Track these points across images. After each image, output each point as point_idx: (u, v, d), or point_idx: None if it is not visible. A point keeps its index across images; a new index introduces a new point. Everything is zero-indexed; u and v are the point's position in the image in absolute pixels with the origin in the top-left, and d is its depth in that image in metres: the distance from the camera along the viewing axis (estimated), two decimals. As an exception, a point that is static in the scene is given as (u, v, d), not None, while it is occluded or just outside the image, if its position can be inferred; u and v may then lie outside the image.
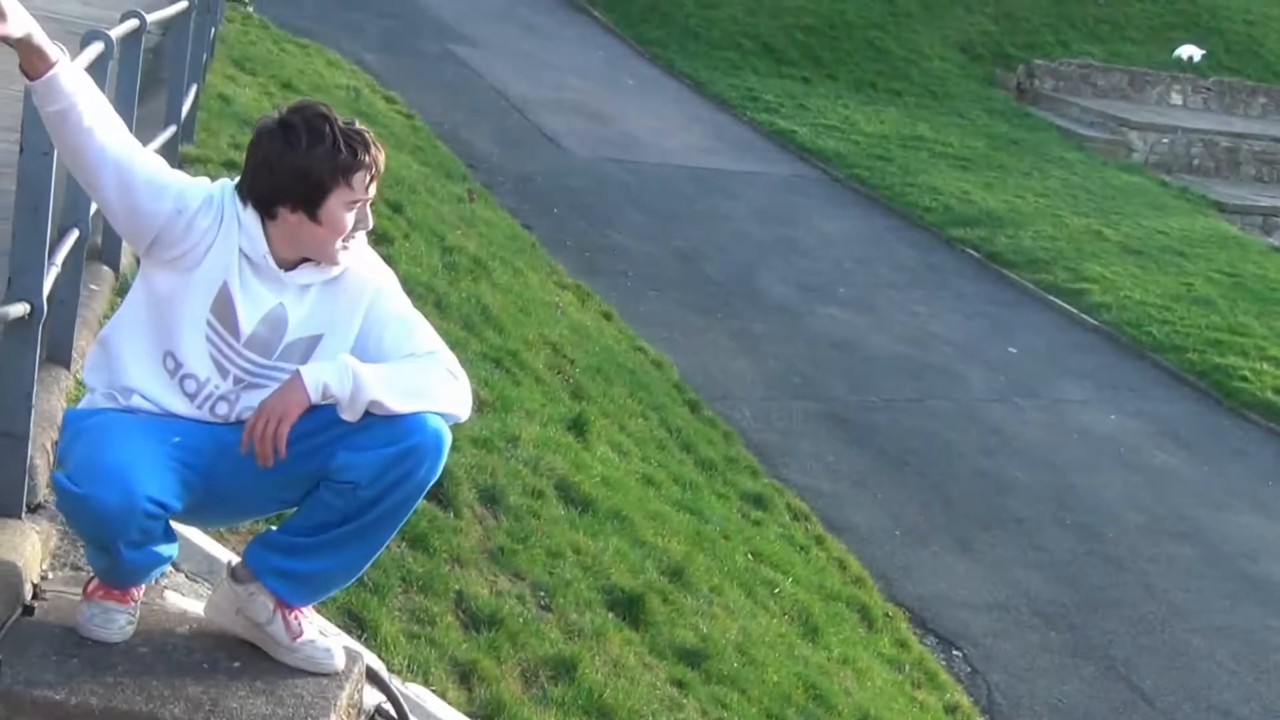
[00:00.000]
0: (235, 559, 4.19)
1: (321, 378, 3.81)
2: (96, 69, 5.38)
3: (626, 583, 7.30)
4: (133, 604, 3.99)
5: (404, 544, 6.16)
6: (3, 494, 4.41)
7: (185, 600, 4.46)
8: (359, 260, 4.06)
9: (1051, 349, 17.69)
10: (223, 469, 3.88)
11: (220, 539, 5.07)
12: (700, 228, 19.33)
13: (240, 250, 3.90)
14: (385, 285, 4.09)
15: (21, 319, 4.35)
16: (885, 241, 20.79)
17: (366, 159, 3.88)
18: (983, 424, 14.89)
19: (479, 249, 12.57)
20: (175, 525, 3.97)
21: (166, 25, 9.67)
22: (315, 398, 3.80)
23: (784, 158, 23.96)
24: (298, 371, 3.83)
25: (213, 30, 13.61)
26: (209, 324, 3.90)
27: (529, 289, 12.58)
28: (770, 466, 12.44)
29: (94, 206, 5.96)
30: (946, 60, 30.88)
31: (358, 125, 3.95)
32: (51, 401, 5.18)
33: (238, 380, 3.93)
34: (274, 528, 4.10)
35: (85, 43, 5.33)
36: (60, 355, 5.68)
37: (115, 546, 3.74)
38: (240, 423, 3.93)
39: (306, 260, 3.97)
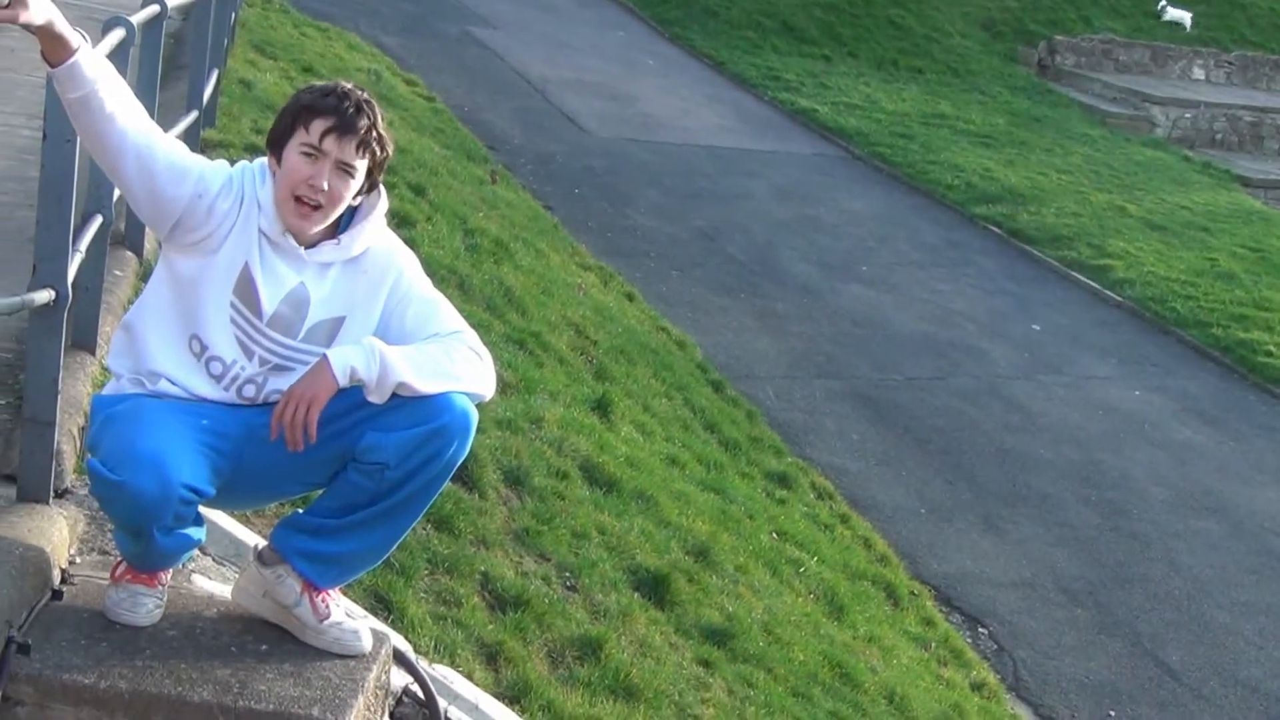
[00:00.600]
0: (262, 542, 4.20)
1: (349, 361, 3.82)
2: (118, 55, 5.39)
3: (651, 563, 7.31)
4: (160, 588, 4.01)
5: (429, 526, 6.18)
6: (30, 480, 4.43)
7: (212, 584, 4.48)
8: (380, 241, 4.07)
9: (1075, 326, 17.65)
10: (251, 453, 3.90)
11: (247, 522, 5.09)
12: (722, 207, 19.31)
13: (260, 230, 3.92)
14: (407, 266, 4.09)
15: (47, 305, 4.37)
16: (907, 219, 20.74)
17: (329, 105, 3.87)
18: (1007, 401, 14.86)
19: (501, 231, 12.57)
20: (202, 509, 3.99)
21: (187, 10, 9.70)
22: (343, 381, 3.82)
23: (805, 136, 23.92)
24: (324, 355, 3.85)
25: (233, 15, 13.61)
26: (232, 305, 3.91)
27: (551, 270, 12.58)
28: (794, 445, 12.44)
29: (117, 192, 5.98)
30: (968, 37, 30.79)
31: (365, 95, 3.95)
32: (77, 387, 5.20)
33: (263, 361, 3.95)
34: (301, 510, 4.12)
35: (106, 29, 5.34)
36: (85, 341, 5.70)
37: (149, 532, 3.76)
38: (268, 405, 3.94)
39: (326, 240, 3.98)
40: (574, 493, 7.54)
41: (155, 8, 6.74)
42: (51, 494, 4.46)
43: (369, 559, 4.15)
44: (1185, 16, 32.52)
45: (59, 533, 4.28)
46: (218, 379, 3.93)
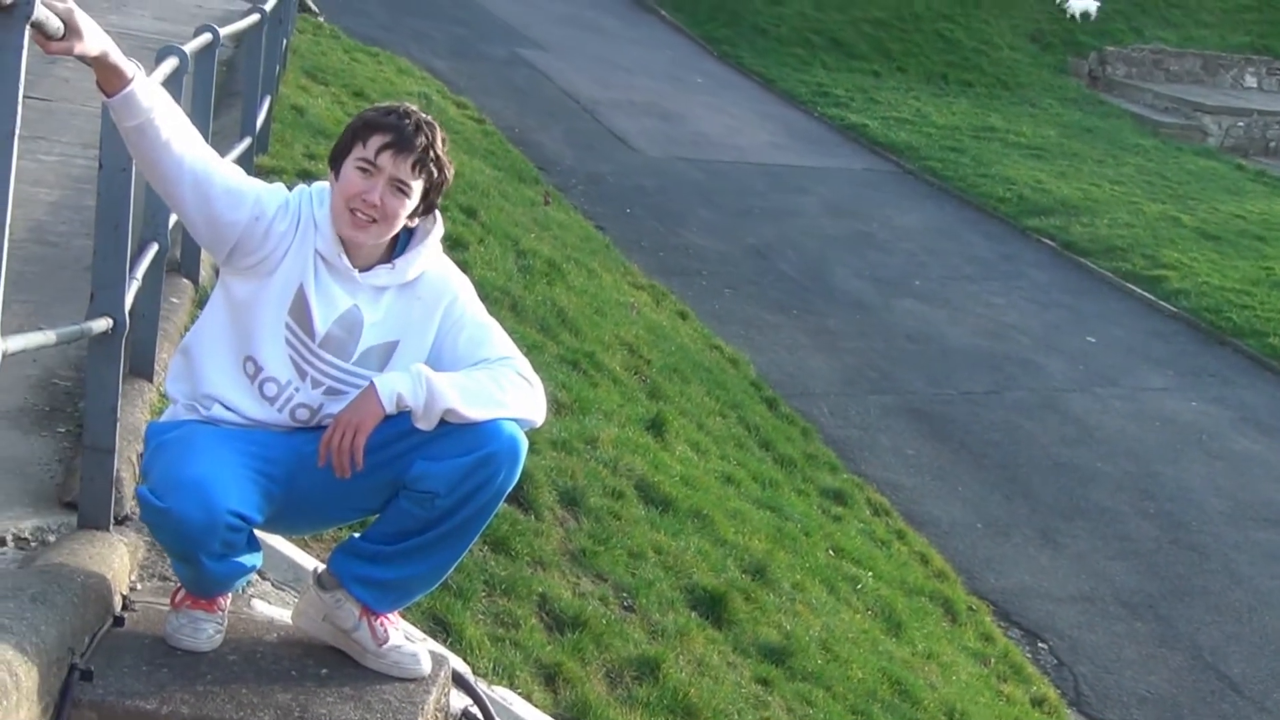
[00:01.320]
0: (321, 566, 4.21)
1: (395, 388, 3.84)
2: (171, 83, 5.42)
3: (708, 582, 7.30)
4: (220, 613, 4.03)
5: (486, 548, 6.18)
6: (91, 507, 4.46)
7: (272, 608, 4.49)
8: (434, 266, 4.08)
9: (1130, 337, 17.55)
10: (303, 479, 3.91)
11: (305, 546, 5.11)
12: (773, 224, 19.30)
13: (316, 251, 3.94)
14: (461, 291, 4.10)
15: (105, 333, 4.41)
16: (959, 233, 20.68)
17: (389, 122, 3.89)
18: (1063, 414, 14.79)
19: (553, 251, 12.59)
20: (259, 534, 4.00)
21: (239, 38, 9.75)
22: (390, 408, 3.83)
23: (856, 152, 23.88)
24: (371, 382, 3.86)
25: (284, 42, 13.70)
26: (288, 326, 3.93)
27: (604, 290, 12.59)
28: (850, 462, 12.40)
29: (172, 219, 6.01)
30: (1017, 50, 30.70)
31: (428, 117, 3.97)
32: (135, 414, 5.23)
33: (316, 383, 3.96)
34: (357, 535, 4.13)
35: (160, 58, 5.37)
36: (143, 368, 5.73)
37: (198, 559, 3.78)
38: (321, 428, 3.95)
39: (381, 263, 4.00)
40: (630, 512, 7.54)
41: (208, 36, 6.79)
42: (112, 521, 4.49)
43: (425, 583, 4.15)
44: (1092, 6, 32.03)
45: (119, 559, 4.31)
46: (271, 400, 3.95)
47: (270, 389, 3.95)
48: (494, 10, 26.99)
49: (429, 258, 4.06)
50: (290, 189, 4.04)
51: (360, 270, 3.97)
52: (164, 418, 4.06)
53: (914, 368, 15.28)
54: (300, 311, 3.93)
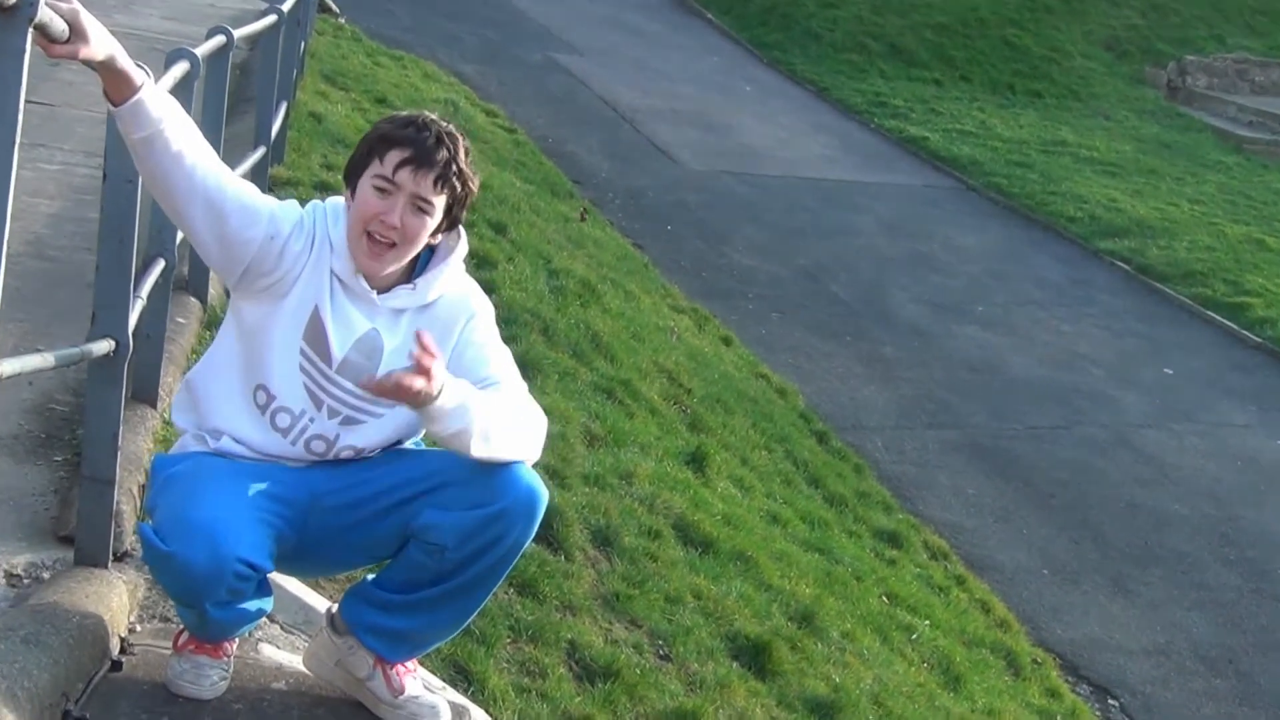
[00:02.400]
0: (335, 606, 4.21)
1: (450, 391, 3.73)
2: (182, 89, 5.46)
3: (751, 629, 7.28)
4: (226, 659, 4.03)
5: (512, 590, 6.18)
6: (88, 542, 4.47)
7: (281, 653, 4.50)
8: (456, 287, 4.08)
9: (1210, 369, 17.47)
10: (315, 521, 3.91)
11: (317, 587, 5.12)
12: (825, 244, 19.28)
13: (332, 271, 3.94)
14: (480, 312, 4.10)
15: (106, 356, 4.42)
16: (1026, 255, 20.63)
17: (407, 135, 3.86)
18: (1136, 452, 14.72)
19: (588, 271, 12.60)
20: (271, 575, 4.00)
21: (254, 40, 9.80)
22: (441, 400, 3.72)
23: (915, 167, 23.86)
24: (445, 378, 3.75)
25: (303, 45, 13.76)
26: (302, 352, 3.94)
27: (642, 313, 12.59)
28: (905, 501, 12.37)
29: (180, 235, 6.04)
30: (1090, 58, 30.64)
31: (449, 126, 3.95)
32: (138, 443, 5.25)
33: (333, 412, 3.96)
34: (370, 578, 4.13)
35: (170, 62, 5.41)
36: (146, 393, 5.76)
37: (202, 606, 3.78)
38: (336, 464, 3.96)
39: (401, 284, 4.00)
40: (667, 554, 7.53)
41: (221, 38, 6.82)
42: (110, 557, 4.51)
43: (440, 634, 4.16)
44: None
45: (118, 599, 4.32)
46: (284, 432, 3.96)
47: (283, 419, 3.95)
48: (527, 11, 27.08)
49: (451, 277, 4.06)
50: (304, 203, 4.04)
51: (379, 292, 3.97)
52: (172, 450, 4.07)
53: (976, 400, 15.23)
54: (316, 336, 3.93)
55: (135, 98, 3.57)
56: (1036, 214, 22.23)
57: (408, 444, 4.15)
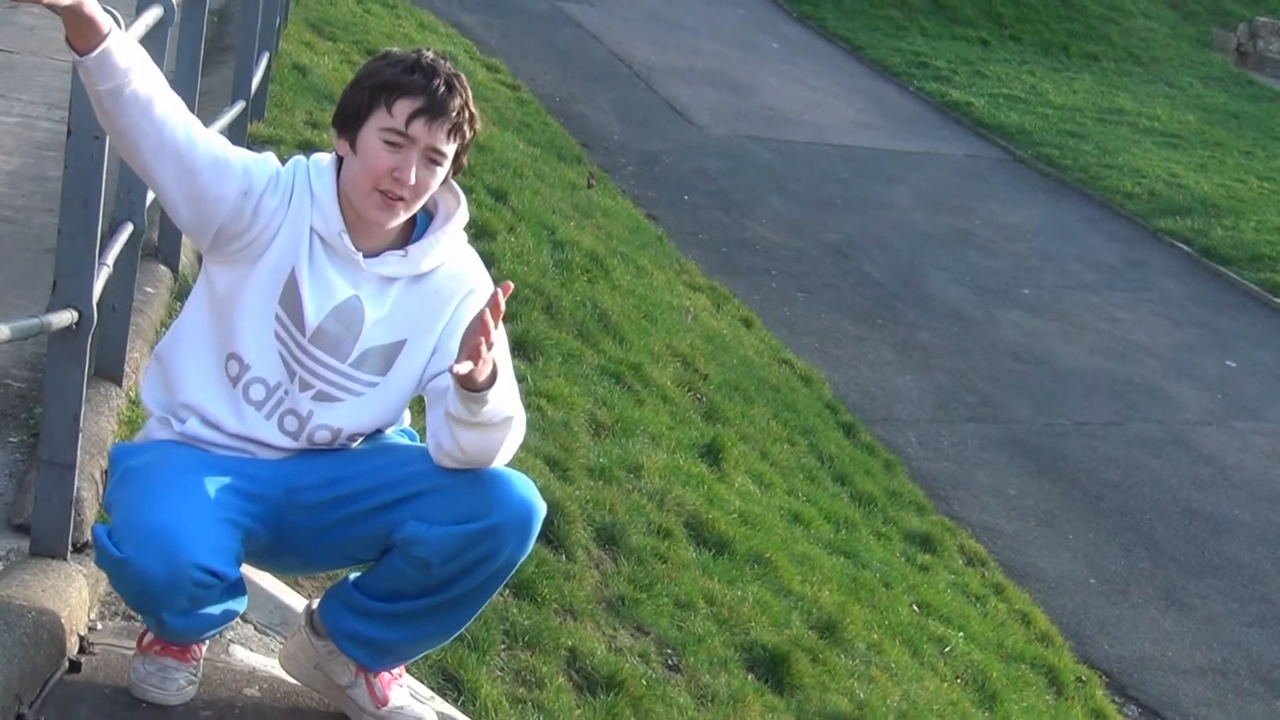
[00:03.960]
0: (316, 603, 4.22)
1: (497, 398, 3.75)
2: (154, 38, 5.46)
3: (769, 639, 7.29)
4: (194, 661, 4.04)
5: (508, 592, 6.19)
6: (46, 532, 4.48)
7: (254, 656, 4.51)
8: (456, 259, 4.06)
9: (1278, 362, 17.45)
10: (290, 520, 3.91)
11: (296, 585, 5.13)
12: (857, 218, 19.28)
13: (312, 229, 3.92)
14: (479, 289, 4.06)
15: (68, 329, 4.42)
16: (1078, 234, 20.62)
17: (417, 83, 3.81)
18: (1194, 452, 14.72)
19: (596, 244, 12.61)
20: (246, 571, 4.01)
21: (234, -16, 9.79)
22: (491, 403, 3.72)
23: (957, 134, 23.85)
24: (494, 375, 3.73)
25: (287, -11, 13.77)
26: (277, 318, 3.92)
27: (654, 291, 12.60)
28: (940, 501, 12.38)
29: (150, 198, 6.04)
30: (1152, 18, 30.61)
31: (452, 67, 3.91)
32: (101, 424, 5.25)
33: (305, 385, 3.95)
34: (353, 578, 4.13)
35: (141, 8, 5.40)
36: (112, 369, 5.76)
37: (159, 615, 3.79)
38: (310, 455, 3.96)
39: (392, 249, 3.98)
40: (678, 555, 7.54)
41: (198, -18, 6.83)
42: (70, 548, 4.51)
43: (425, 646, 4.18)
44: None
45: (78, 594, 4.33)
46: (258, 405, 3.95)
47: (257, 391, 3.94)
48: (534, -43, 27.09)
49: (449, 246, 4.04)
50: (284, 161, 4.04)
51: (366, 255, 3.95)
52: (135, 438, 4.07)
53: (1020, 392, 15.24)
54: (291, 300, 3.91)
55: (102, 46, 3.54)
56: (1090, 189, 22.22)
57: (389, 432, 4.15)
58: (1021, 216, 20.74)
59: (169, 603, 3.72)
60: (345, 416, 3.99)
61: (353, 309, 3.93)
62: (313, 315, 3.91)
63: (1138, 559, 12.54)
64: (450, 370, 3.61)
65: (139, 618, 4.19)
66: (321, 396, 3.96)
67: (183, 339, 4.00)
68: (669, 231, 16.31)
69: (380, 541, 3.95)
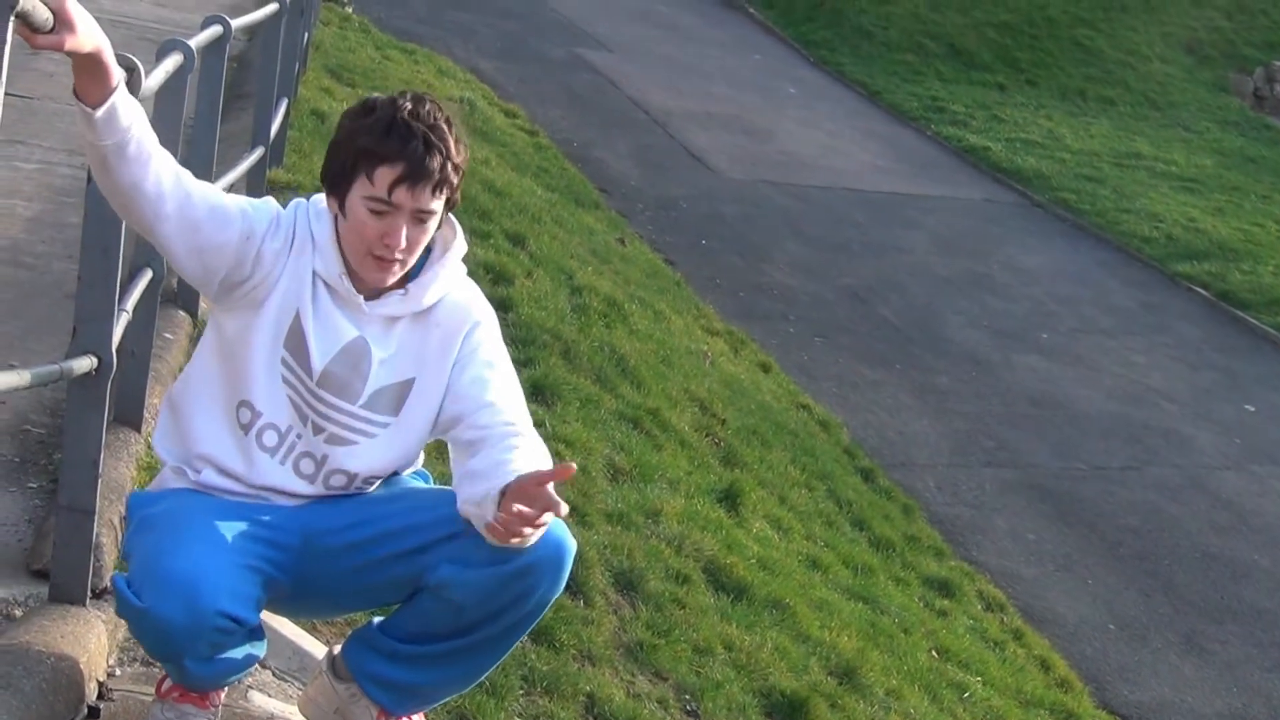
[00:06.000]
0: (338, 648, 4.20)
1: None
2: (174, 84, 5.48)
3: (787, 684, 7.27)
4: (213, 708, 4.03)
5: (526, 637, 6.16)
6: (65, 577, 4.47)
7: (273, 702, 4.51)
8: (457, 291, 4.04)
9: (1297, 407, 17.44)
10: (311, 566, 3.89)
11: (314, 630, 5.13)
12: (874, 263, 19.28)
13: (315, 272, 3.90)
14: (484, 321, 4.04)
15: (88, 375, 4.42)
16: (1096, 278, 20.61)
17: (393, 148, 3.74)
18: (1213, 496, 14.68)
19: (614, 289, 12.62)
20: (263, 617, 4.00)
21: (253, 31, 9.83)
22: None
23: (974, 179, 23.86)
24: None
25: (306, 36, 13.81)
26: (284, 362, 3.90)
27: (672, 336, 12.60)
28: (959, 546, 12.35)
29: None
30: (1169, 62, 30.62)
31: (431, 117, 3.81)
32: (120, 470, 5.25)
33: (318, 429, 3.93)
34: (377, 621, 4.12)
35: (162, 54, 5.41)
36: (130, 416, 5.77)
37: (181, 662, 3.78)
38: (327, 501, 3.96)
39: (393, 290, 3.94)
40: (696, 600, 7.53)
41: (217, 29, 6.85)
42: (89, 594, 4.51)
43: (451, 689, 4.16)
44: None
45: (96, 640, 4.32)
46: (272, 451, 3.94)
47: (270, 438, 3.93)
48: (552, 4, 27.14)
49: (448, 279, 4.01)
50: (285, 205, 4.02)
51: (367, 298, 3.92)
52: (150, 486, 4.06)
53: (1037, 436, 15.21)
54: (297, 343, 3.89)
55: (111, 99, 3.51)
56: (1107, 233, 22.22)
57: (405, 474, 4.15)
58: (1038, 261, 20.74)
59: (190, 649, 3.70)
60: (360, 459, 3.98)
61: (359, 350, 3.92)
62: (319, 359, 3.89)
63: (1157, 604, 12.50)
64: (494, 523, 3.57)
65: (158, 664, 4.19)
66: (335, 440, 3.94)
67: (193, 387, 3.99)
68: (686, 276, 16.32)
69: (408, 585, 3.94)
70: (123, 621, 4.56)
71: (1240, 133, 28.62)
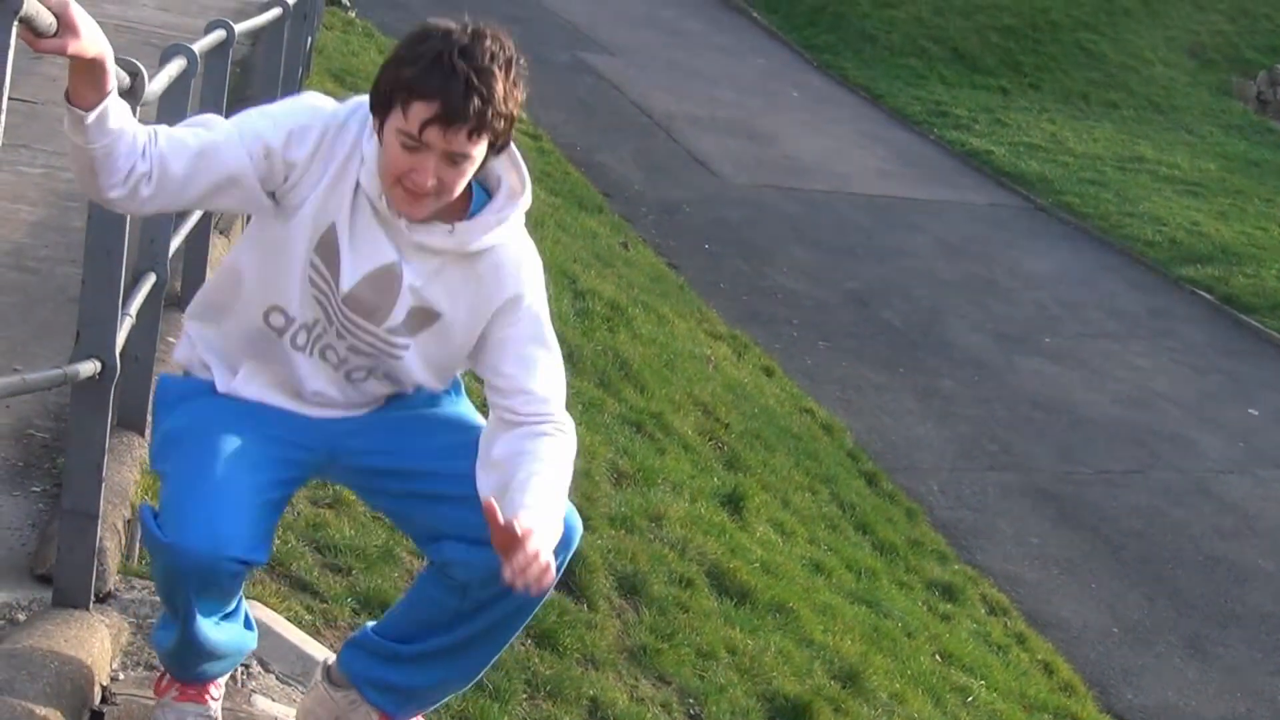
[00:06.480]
0: (332, 656, 4.21)
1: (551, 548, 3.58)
2: (178, 88, 5.48)
3: (791, 688, 7.27)
4: (211, 703, 4.03)
5: (530, 641, 6.18)
6: (69, 581, 4.47)
7: (275, 705, 4.51)
8: (512, 246, 3.86)
9: (1301, 410, 17.44)
10: (335, 477, 4.00)
11: (317, 634, 5.13)
12: (878, 267, 19.28)
13: (359, 185, 3.74)
14: (529, 291, 3.86)
15: (91, 379, 4.42)
16: (1099, 282, 20.61)
17: (432, 85, 3.55)
18: (1217, 500, 14.68)
19: (617, 293, 12.63)
20: (262, 614, 4.01)
21: (256, 35, 9.82)
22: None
23: (978, 183, 23.86)
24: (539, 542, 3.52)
25: (309, 40, 13.81)
26: (312, 265, 3.77)
27: (676, 340, 12.61)
28: (962, 550, 12.35)
29: (172, 248, 6.05)
30: (1172, 66, 30.61)
31: (485, 58, 3.61)
32: (124, 473, 5.25)
33: (341, 335, 3.82)
34: (372, 625, 4.12)
35: (165, 58, 5.41)
36: (134, 419, 5.76)
37: (188, 604, 3.76)
38: (353, 420, 3.92)
39: (441, 222, 3.77)
40: (700, 604, 7.53)
41: (220, 33, 6.84)
42: (92, 598, 4.51)
43: (450, 689, 4.15)
44: None
45: (100, 644, 4.32)
46: (302, 348, 3.85)
47: (300, 337, 3.84)
48: (554, 7, 27.15)
49: (503, 232, 3.82)
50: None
51: (410, 223, 3.75)
52: (179, 353, 3.99)
53: (1041, 440, 15.21)
54: (329, 255, 3.76)
55: (104, 104, 3.44)
56: (1111, 237, 22.22)
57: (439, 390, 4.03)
58: (1042, 265, 20.73)
59: (201, 590, 3.72)
60: (382, 364, 3.90)
61: (391, 275, 3.76)
62: (348, 277, 3.76)
63: (1161, 608, 12.49)
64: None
65: (160, 665, 4.18)
66: (355, 350, 3.84)
67: (224, 290, 3.92)
68: (690, 280, 16.32)
69: (414, 527, 3.98)
70: (125, 626, 4.57)
71: (1243, 136, 28.61)
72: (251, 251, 3.86)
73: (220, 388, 3.91)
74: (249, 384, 3.89)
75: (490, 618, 3.90)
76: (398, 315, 3.78)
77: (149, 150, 3.57)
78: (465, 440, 3.90)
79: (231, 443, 3.76)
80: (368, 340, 3.83)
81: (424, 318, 3.80)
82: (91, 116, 3.43)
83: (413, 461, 3.88)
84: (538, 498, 3.63)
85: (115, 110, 3.48)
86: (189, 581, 3.69)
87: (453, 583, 3.87)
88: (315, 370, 3.88)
